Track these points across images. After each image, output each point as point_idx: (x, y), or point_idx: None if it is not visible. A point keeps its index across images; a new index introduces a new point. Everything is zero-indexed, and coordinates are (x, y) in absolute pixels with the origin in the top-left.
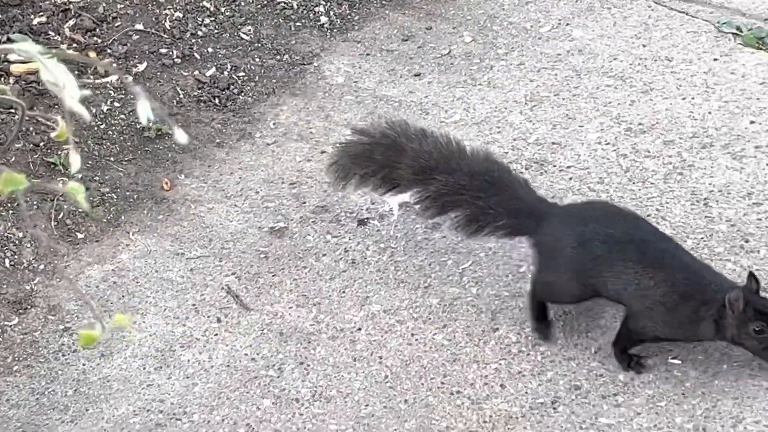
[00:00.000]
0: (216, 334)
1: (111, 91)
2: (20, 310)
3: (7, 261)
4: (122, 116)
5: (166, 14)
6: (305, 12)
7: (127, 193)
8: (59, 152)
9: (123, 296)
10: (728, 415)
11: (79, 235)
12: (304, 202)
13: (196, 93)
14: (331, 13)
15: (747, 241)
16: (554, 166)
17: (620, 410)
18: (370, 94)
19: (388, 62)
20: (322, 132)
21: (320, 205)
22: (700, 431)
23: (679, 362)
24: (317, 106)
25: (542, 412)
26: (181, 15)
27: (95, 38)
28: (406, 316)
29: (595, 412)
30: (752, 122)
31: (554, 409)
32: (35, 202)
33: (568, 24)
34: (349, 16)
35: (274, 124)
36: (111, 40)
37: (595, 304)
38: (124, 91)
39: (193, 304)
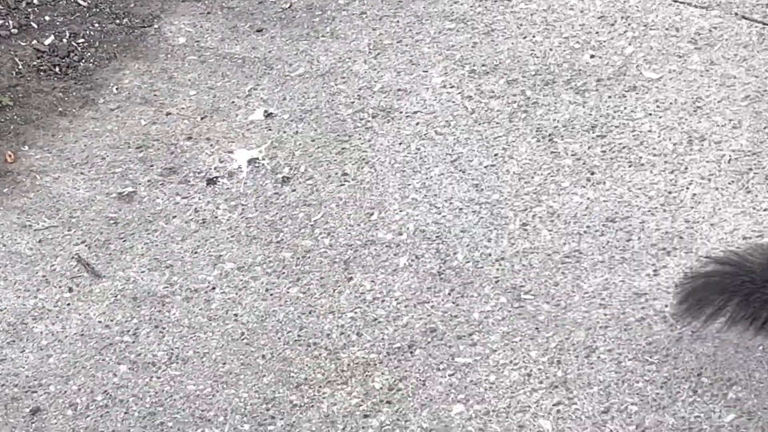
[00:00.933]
0: (68, 304)
1: None
2: None
3: None
4: None
5: None
6: None
7: None
8: None
9: None
10: (581, 346)
11: None
12: (152, 166)
13: (35, 63)
14: None
15: (593, 174)
16: (401, 112)
17: (476, 349)
18: (213, 53)
19: (229, 20)
20: (166, 94)
21: (168, 168)
22: (555, 364)
23: (532, 297)
24: (160, 68)
25: (399, 356)
26: None
27: None
28: (260, 272)
29: (451, 352)
30: (592, 56)
31: (411, 353)
32: None
33: None
34: None
35: (117, 89)
36: None
37: (446, 246)
38: None
39: (44, 276)
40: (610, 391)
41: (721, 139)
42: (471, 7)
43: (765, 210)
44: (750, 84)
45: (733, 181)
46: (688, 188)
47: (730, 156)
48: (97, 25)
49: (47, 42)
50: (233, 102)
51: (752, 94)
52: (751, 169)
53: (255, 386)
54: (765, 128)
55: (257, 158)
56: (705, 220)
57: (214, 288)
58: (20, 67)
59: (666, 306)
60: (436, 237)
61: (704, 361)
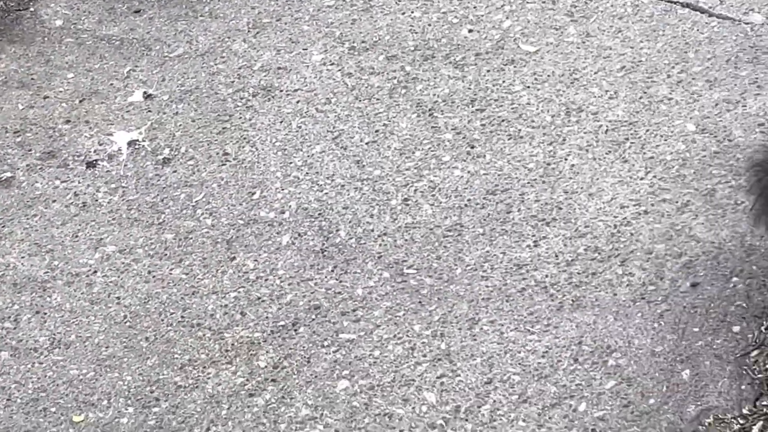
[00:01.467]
0: None
1: None
2: None
3: None
4: None
5: None
6: None
7: None
8: None
9: None
10: (464, 319)
11: None
12: (30, 150)
13: None
14: None
15: (473, 147)
16: (281, 91)
17: (360, 325)
18: (90, 35)
19: (107, 1)
20: (43, 77)
21: (47, 152)
22: (438, 336)
23: (414, 271)
24: (37, 51)
25: (283, 334)
26: None
27: None
28: (142, 254)
29: (335, 329)
30: (471, 31)
31: (295, 330)
32: None
33: None
34: None
35: None
36: None
37: (329, 223)
38: None
39: None
40: (493, 362)
41: (598, 110)
42: None
43: (641, 179)
44: (625, 55)
45: (610, 151)
46: (566, 159)
47: (607, 126)
48: None
49: None
50: (112, 84)
51: (628, 64)
52: (627, 139)
53: (138, 369)
54: (641, 98)
55: (137, 140)
56: (583, 190)
57: (95, 272)
58: None
59: (546, 276)
60: (319, 214)
61: (585, 329)
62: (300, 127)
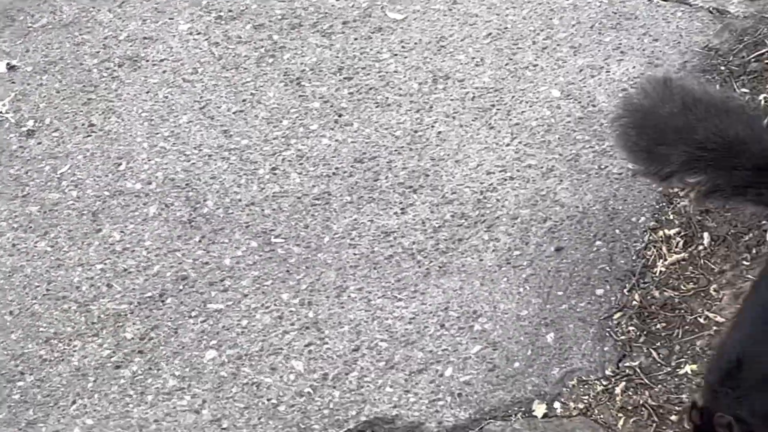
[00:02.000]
0: None
1: None
2: None
3: None
4: None
5: None
6: None
7: None
8: None
9: None
10: (332, 286)
11: None
12: None
13: None
14: None
15: (340, 116)
16: (147, 61)
17: (228, 294)
18: None
19: None
20: None
21: None
22: (306, 305)
23: (282, 240)
24: None
25: (150, 306)
26: None
27: None
28: (6, 228)
29: (203, 299)
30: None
31: (162, 302)
32: None
33: None
34: None
35: None
36: None
37: (196, 193)
38: None
39: None
40: (360, 329)
41: (464, 77)
42: None
43: (507, 145)
44: (491, 22)
45: (476, 118)
46: (433, 126)
47: (473, 93)
48: None
49: None
50: None
51: (494, 31)
52: (493, 106)
53: (3, 343)
54: (506, 65)
55: (0, 112)
56: (450, 157)
57: None
58: None
59: (413, 243)
60: (186, 185)
61: (451, 295)
62: (167, 97)
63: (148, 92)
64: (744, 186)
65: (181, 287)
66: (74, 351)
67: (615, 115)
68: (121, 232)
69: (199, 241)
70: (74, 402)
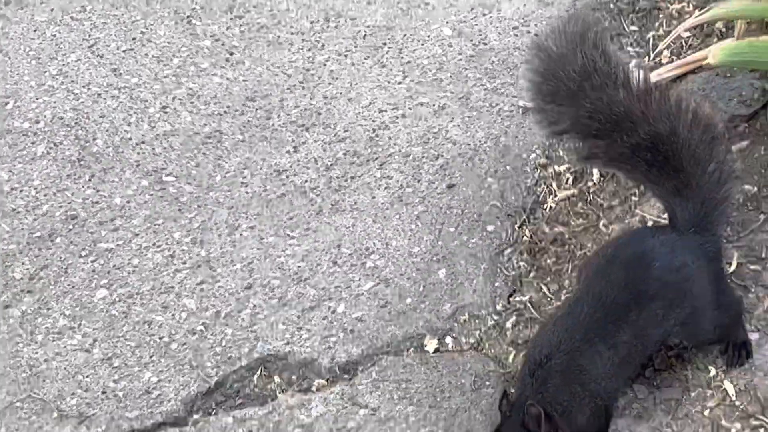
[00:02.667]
0: None
1: None
2: None
3: None
4: None
5: None
6: None
7: None
8: None
9: None
10: (224, 225)
11: None
12: None
13: None
14: None
15: (232, 54)
16: None
17: (119, 234)
18: None
19: None
20: None
21: None
22: (198, 243)
23: (174, 179)
24: None
25: (40, 245)
26: None
27: None
28: None
29: (93, 238)
30: None
31: (52, 241)
32: None
33: None
34: None
35: None
36: None
37: (86, 132)
38: None
39: None
40: (253, 267)
41: (356, 16)
42: None
43: (399, 83)
44: None
45: (368, 57)
46: (325, 65)
47: (365, 32)
48: None
49: None
50: None
51: None
52: (385, 44)
53: None
54: (398, 3)
55: None
56: (342, 95)
57: None
58: None
59: (306, 181)
60: (75, 123)
61: (344, 232)
62: (54, 35)
63: (35, 30)
64: (620, 160)
65: (70, 227)
66: None
67: (525, 58)
68: (9, 171)
69: (89, 180)
70: None
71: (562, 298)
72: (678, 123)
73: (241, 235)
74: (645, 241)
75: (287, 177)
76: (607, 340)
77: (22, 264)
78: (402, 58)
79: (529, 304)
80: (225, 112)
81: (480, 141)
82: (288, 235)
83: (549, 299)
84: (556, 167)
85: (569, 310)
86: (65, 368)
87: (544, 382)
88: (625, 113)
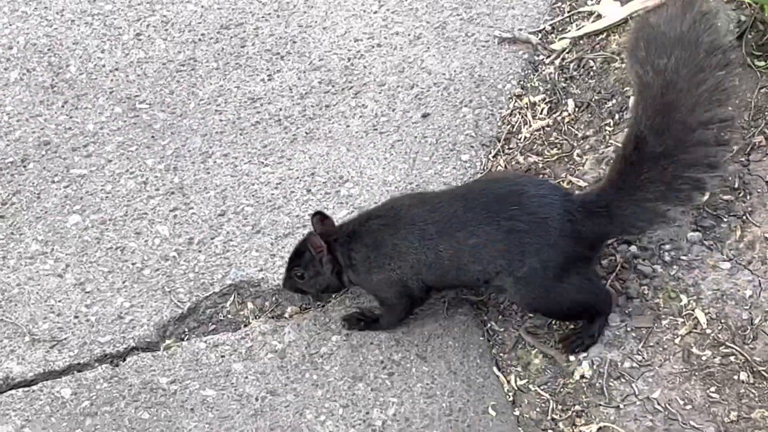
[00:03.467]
0: None
1: None
2: None
3: None
4: None
5: None
6: None
7: None
8: None
9: None
10: (198, 152)
11: None
12: None
13: None
14: None
15: None
16: None
17: (91, 160)
18: None
19: None
20: None
21: None
22: (171, 171)
23: (147, 106)
24: None
25: (12, 171)
26: None
27: None
28: None
29: (66, 164)
30: None
31: (24, 167)
32: None
33: None
34: None
35: None
36: None
37: (59, 58)
38: None
39: None
40: (227, 194)
41: None
42: None
43: (375, 12)
44: None
45: None
46: None
47: None
48: None
49: None
50: None
51: None
52: None
53: None
54: None
55: None
56: (318, 24)
57: None
58: None
59: (280, 109)
60: (48, 50)
61: (318, 160)
62: None
63: None
64: None
65: (43, 152)
66: None
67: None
68: None
69: (62, 106)
70: None
71: None
72: None
73: (215, 162)
74: (538, 186)
75: (261, 105)
76: (439, 239)
77: None
78: None
79: None
80: (199, 39)
81: (455, 71)
82: (262, 162)
83: None
84: (531, 97)
85: (432, 200)
86: (37, 293)
87: (359, 235)
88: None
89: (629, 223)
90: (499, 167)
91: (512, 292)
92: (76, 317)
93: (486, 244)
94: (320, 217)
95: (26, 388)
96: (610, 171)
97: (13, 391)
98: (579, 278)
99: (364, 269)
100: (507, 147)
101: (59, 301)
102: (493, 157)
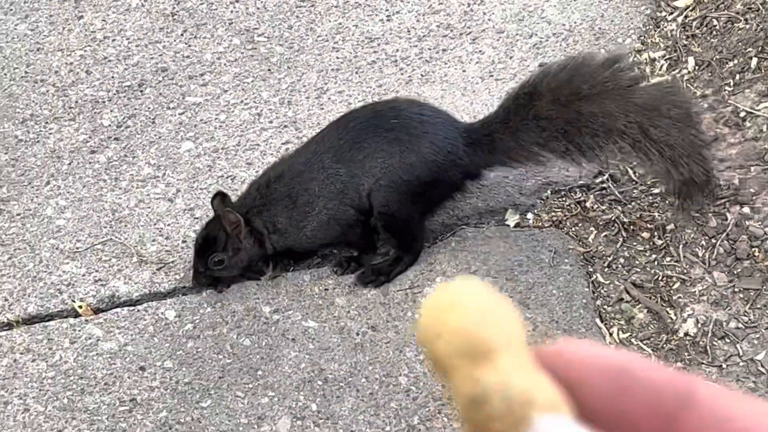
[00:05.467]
0: None
1: None
2: None
3: None
4: None
5: None
6: None
7: None
8: None
9: None
10: (313, 87)
11: None
12: None
13: None
14: None
15: None
16: None
17: (207, 89)
18: None
19: None
20: None
21: None
22: (286, 104)
23: (265, 39)
24: None
25: (129, 95)
26: None
27: None
28: None
29: (182, 92)
30: None
31: (141, 91)
32: None
33: None
34: None
35: None
36: None
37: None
38: None
39: None
40: None
41: None
42: None
43: None
44: None
45: None
46: None
47: None
48: None
49: None
50: None
51: None
52: None
53: None
54: None
55: None
56: None
57: None
58: None
59: (397, 50)
60: None
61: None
62: None
63: None
64: None
65: (160, 78)
66: (50, 133)
67: None
68: (103, 20)
69: (181, 34)
70: (48, 183)
71: (648, 182)
72: None
73: (329, 99)
74: (420, 106)
75: (378, 45)
76: (337, 164)
77: (111, 111)
78: None
79: (613, 186)
80: None
81: (575, 22)
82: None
83: (634, 183)
84: (651, 53)
85: (314, 139)
86: (147, 215)
87: (271, 200)
88: None
89: (508, 156)
90: None
91: (377, 197)
92: (184, 242)
93: (372, 155)
94: (221, 197)
95: (131, 308)
96: (500, 105)
97: (118, 310)
98: (432, 206)
99: (293, 228)
100: None
101: (168, 225)
102: None
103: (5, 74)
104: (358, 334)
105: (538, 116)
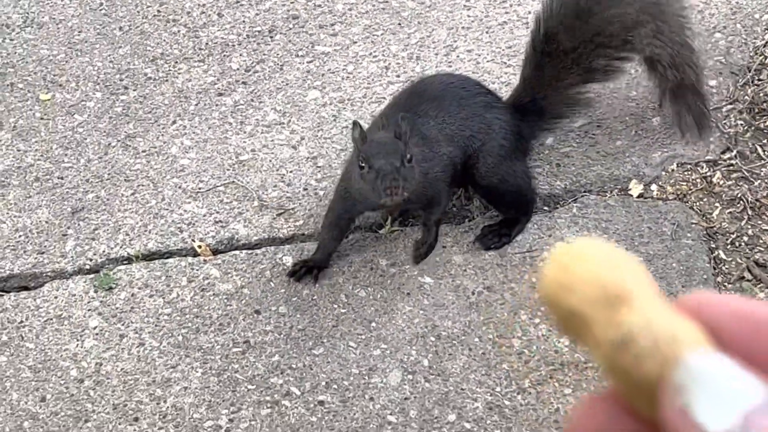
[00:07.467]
0: None
1: None
2: None
3: None
4: None
5: None
6: None
7: None
8: None
9: None
10: (442, 44)
11: None
12: None
13: None
14: None
15: None
16: None
17: (337, 39)
18: None
19: None
20: None
21: None
22: (414, 59)
23: None
24: None
25: (259, 40)
26: None
27: None
28: None
29: (312, 40)
30: None
31: (271, 37)
32: None
33: None
34: None
35: None
36: None
37: None
38: None
39: None
40: None
41: None
42: None
43: None
44: None
45: None
46: None
47: None
48: None
49: None
50: None
51: None
52: None
53: (110, 56)
54: None
55: None
56: None
57: None
58: None
59: (529, 12)
60: None
61: None
62: None
63: None
64: None
65: (291, 26)
66: (179, 73)
67: None
68: None
69: None
70: (174, 122)
71: None
72: None
73: (457, 56)
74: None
75: (510, 6)
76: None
77: (240, 55)
78: None
79: (740, 163)
80: None
81: None
82: (504, 63)
83: (762, 161)
84: None
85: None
86: (270, 161)
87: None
88: None
89: (556, 113)
90: (747, 97)
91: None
92: (305, 189)
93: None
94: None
95: (249, 251)
96: (524, 69)
97: (236, 252)
98: (524, 165)
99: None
100: (757, 78)
101: (290, 172)
102: (741, 86)
103: (138, 12)
104: (473, 294)
105: (566, 51)
